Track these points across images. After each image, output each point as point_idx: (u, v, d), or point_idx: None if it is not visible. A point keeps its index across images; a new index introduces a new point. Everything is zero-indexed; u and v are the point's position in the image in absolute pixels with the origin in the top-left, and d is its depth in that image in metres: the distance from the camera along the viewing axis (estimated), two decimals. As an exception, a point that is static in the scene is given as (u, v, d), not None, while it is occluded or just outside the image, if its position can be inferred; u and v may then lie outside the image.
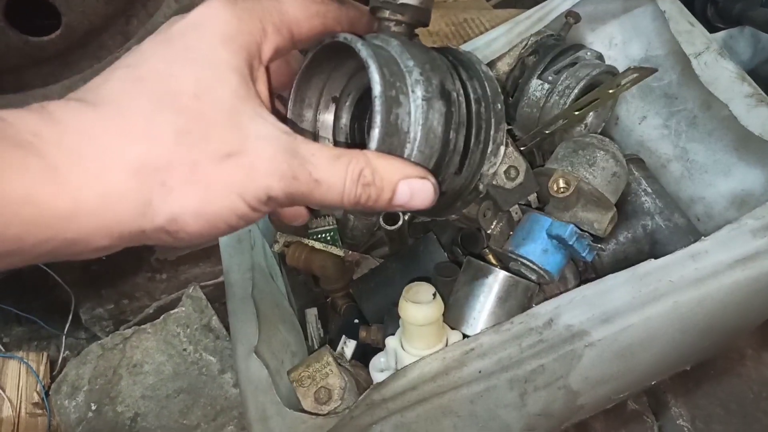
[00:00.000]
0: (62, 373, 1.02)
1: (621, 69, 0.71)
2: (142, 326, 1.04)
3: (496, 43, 0.75)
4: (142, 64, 0.33)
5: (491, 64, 0.73)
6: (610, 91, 0.58)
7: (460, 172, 0.47)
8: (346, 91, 0.48)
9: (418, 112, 0.41)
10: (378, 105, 0.39)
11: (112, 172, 0.30)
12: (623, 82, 0.57)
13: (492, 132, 0.48)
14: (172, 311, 1.04)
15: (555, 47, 0.70)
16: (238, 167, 0.32)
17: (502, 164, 0.52)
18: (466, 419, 0.54)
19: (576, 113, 0.61)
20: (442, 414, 0.54)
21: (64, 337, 1.11)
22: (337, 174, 0.36)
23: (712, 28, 0.86)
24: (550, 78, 0.68)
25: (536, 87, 0.68)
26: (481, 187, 0.50)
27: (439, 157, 0.44)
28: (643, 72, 0.55)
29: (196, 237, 0.33)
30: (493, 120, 0.48)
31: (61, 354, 1.10)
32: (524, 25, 0.73)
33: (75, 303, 1.13)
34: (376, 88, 0.39)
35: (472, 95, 0.47)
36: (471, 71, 0.48)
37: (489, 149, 0.48)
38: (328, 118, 0.48)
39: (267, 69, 0.38)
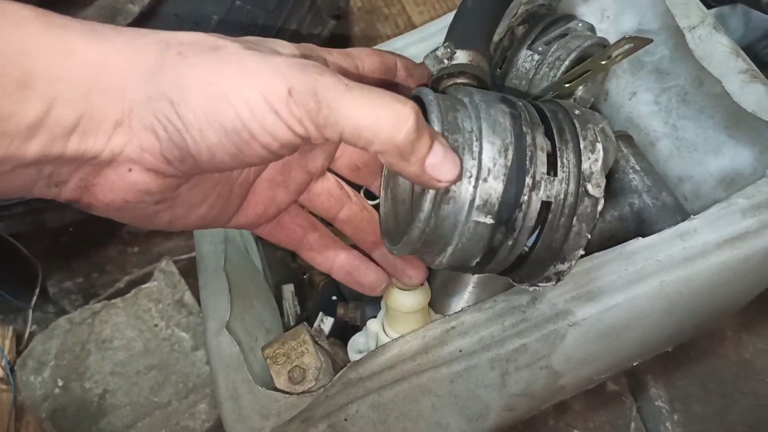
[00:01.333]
0: (28, 348, 0.99)
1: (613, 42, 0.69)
2: (112, 301, 1.00)
3: (485, 11, 0.72)
4: None
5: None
6: (603, 62, 0.55)
7: (555, 173, 0.43)
8: None
9: (478, 109, 0.41)
10: (431, 105, 0.40)
11: (142, 39, 0.31)
12: (616, 53, 0.54)
13: (578, 130, 0.44)
14: (143, 286, 1.01)
15: (546, 17, 0.67)
16: (259, 52, 0.32)
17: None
18: (445, 399, 0.53)
19: (566, 86, 0.59)
20: (421, 393, 0.52)
21: (30, 310, 1.07)
22: (375, 89, 0.33)
23: (704, 5, 0.84)
24: (540, 49, 0.65)
25: (525, 58, 0.66)
26: (590, 188, 0.44)
27: (516, 150, 0.41)
28: (637, 42, 0.52)
29: (202, 123, 0.30)
30: (576, 121, 0.45)
31: (28, 328, 1.06)
32: (514, -6, 0.70)
33: (43, 276, 1.09)
34: (428, 97, 0.40)
35: (542, 106, 0.46)
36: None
37: (582, 145, 0.44)
38: None
39: None
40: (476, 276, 0.59)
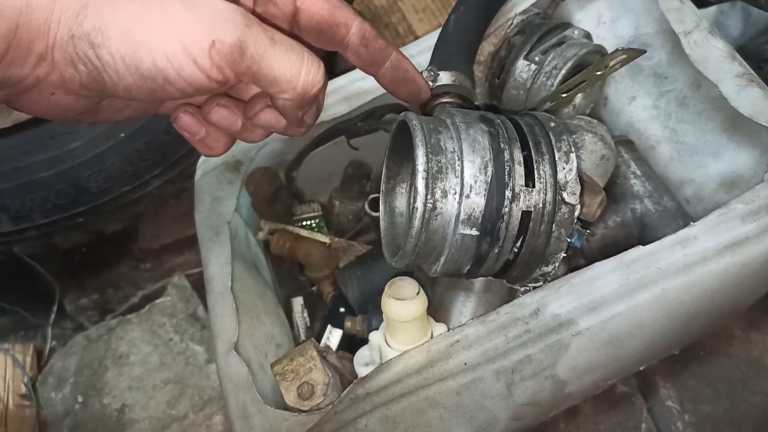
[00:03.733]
0: (48, 365, 1.01)
1: (609, 48, 0.69)
2: (127, 316, 1.02)
3: (481, 22, 0.72)
4: None
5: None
6: (598, 72, 0.56)
7: (532, 185, 0.46)
8: None
9: (459, 130, 0.44)
10: (415, 129, 0.43)
11: None
12: (611, 64, 0.55)
13: (554, 142, 0.48)
14: (157, 301, 1.03)
15: (542, 26, 0.67)
16: (185, 3, 0.32)
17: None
18: (453, 411, 0.54)
19: (564, 96, 0.59)
20: (428, 406, 0.53)
21: (50, 327, 1.09)
22: (296, 46, 0.36)
23: (704, 3, 0.83)
24: (536, 58, 0.65)
25: (522, 68, 0.66)
26: (566, 196, 0.47)
27: (496, 166, 0.44)
28: (631, 53, 0.53)
29: (120, 66, 0.32)
30: (551, 134, 0.48)
31: (48, 344, 1.08)
32: (510, 4, 0.70)
33: (59, 293, 1.11)
34: (412, 122, 0.43)
35: (519, 121, 0.48)
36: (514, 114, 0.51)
37: (557, 156, 0.47)
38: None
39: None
40: (477, 284, 0.60)
